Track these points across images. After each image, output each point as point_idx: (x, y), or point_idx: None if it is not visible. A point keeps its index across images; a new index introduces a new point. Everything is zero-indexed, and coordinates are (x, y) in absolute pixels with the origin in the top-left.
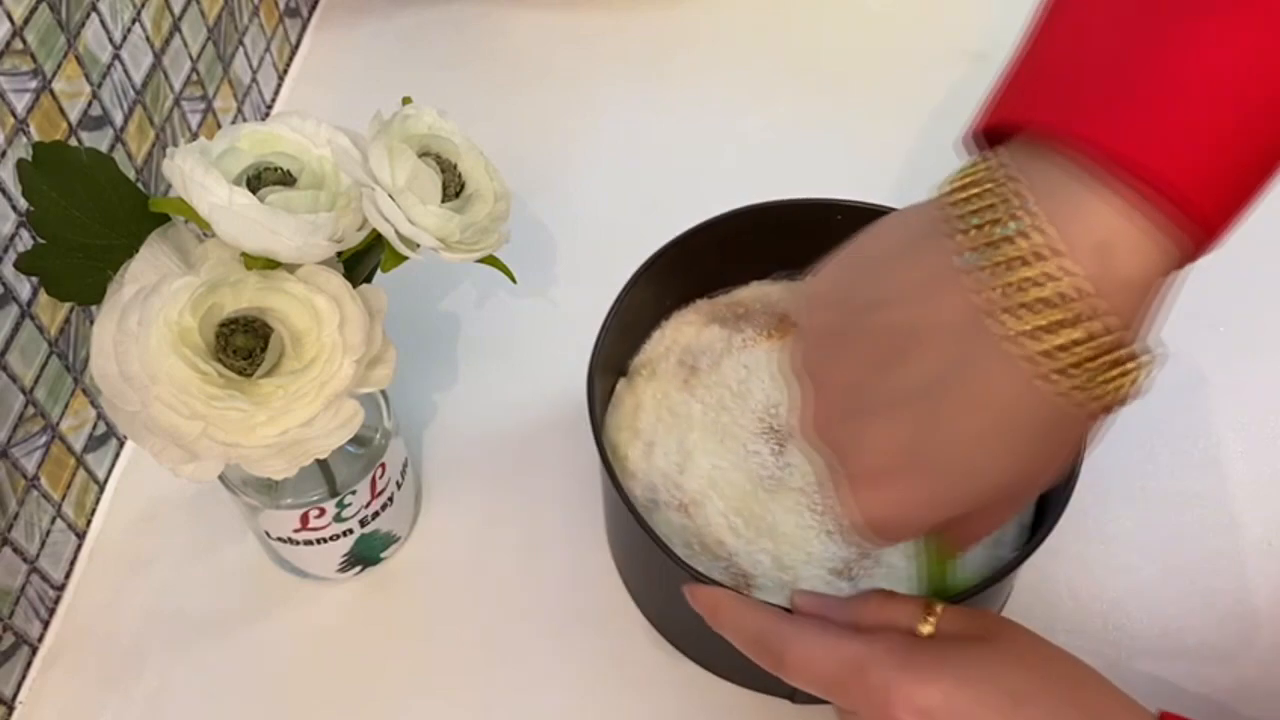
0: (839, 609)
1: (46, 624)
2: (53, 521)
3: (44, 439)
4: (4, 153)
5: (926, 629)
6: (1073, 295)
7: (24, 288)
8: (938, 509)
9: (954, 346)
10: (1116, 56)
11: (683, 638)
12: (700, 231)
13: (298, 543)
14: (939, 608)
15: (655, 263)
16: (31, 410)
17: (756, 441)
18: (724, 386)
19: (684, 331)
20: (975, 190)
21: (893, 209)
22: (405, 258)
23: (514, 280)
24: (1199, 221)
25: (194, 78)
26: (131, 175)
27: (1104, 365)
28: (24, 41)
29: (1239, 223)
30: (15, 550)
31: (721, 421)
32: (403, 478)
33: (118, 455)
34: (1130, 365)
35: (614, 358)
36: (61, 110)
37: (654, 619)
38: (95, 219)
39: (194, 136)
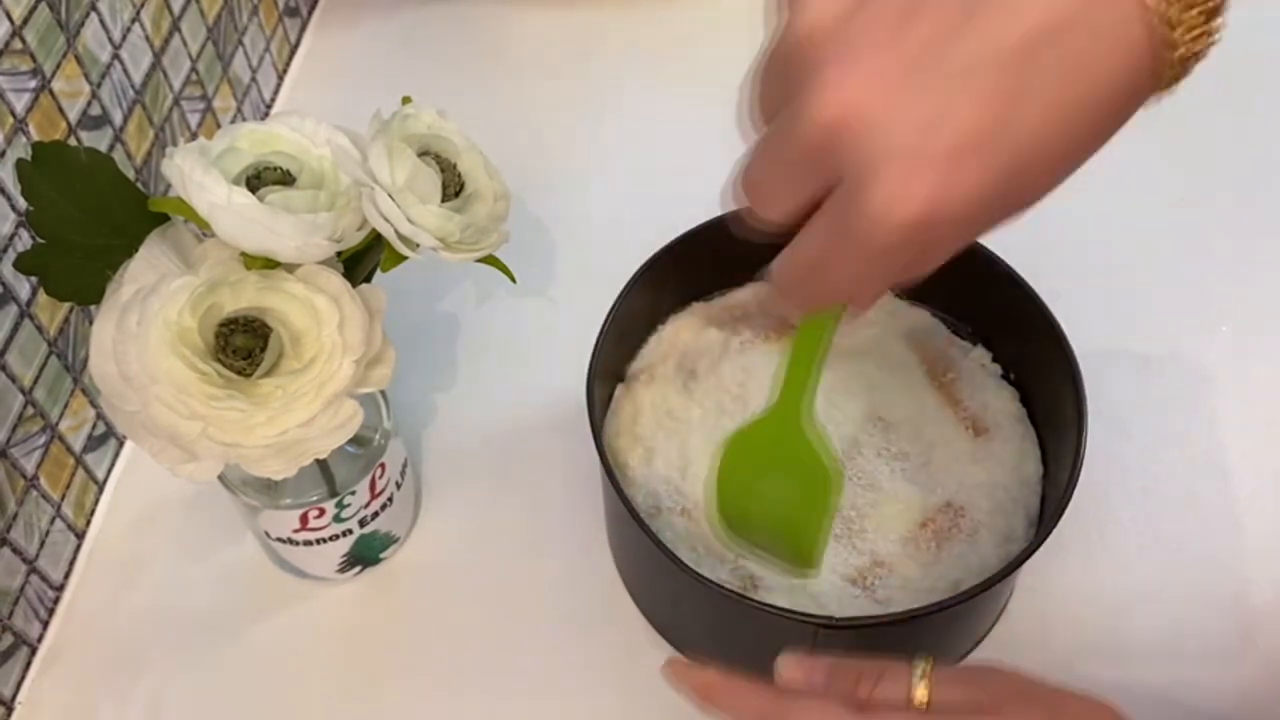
0: (830, 679)
1: (46, 624)
2: (52, 521)
3: (43, 439)
4: (4, 153)
5: (920, 692)
6: None
7: (24, 288)
8: (997, 204)
9: None
10: None
11: (687, 641)
12: (696, 235)
13: (297, 543)
14: (928, 667)
15: (651, 267)
16: (31, 410)
17: None
18: (723, 390)
19: (682, 335)
20: None
21: None
22: (405, 258)
23: (514, 280)
24: None
25: (193, 77)
26: (131, 175)
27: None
28: (23, 41)
29: None
30: (15, 550)
31: (722, 425)
32: (402, 478)
33: (117, 455)
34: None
35: (612, 363)
36: (61, 110)
37: (657, 623)
38: (95, 219)
39: (193, 136)
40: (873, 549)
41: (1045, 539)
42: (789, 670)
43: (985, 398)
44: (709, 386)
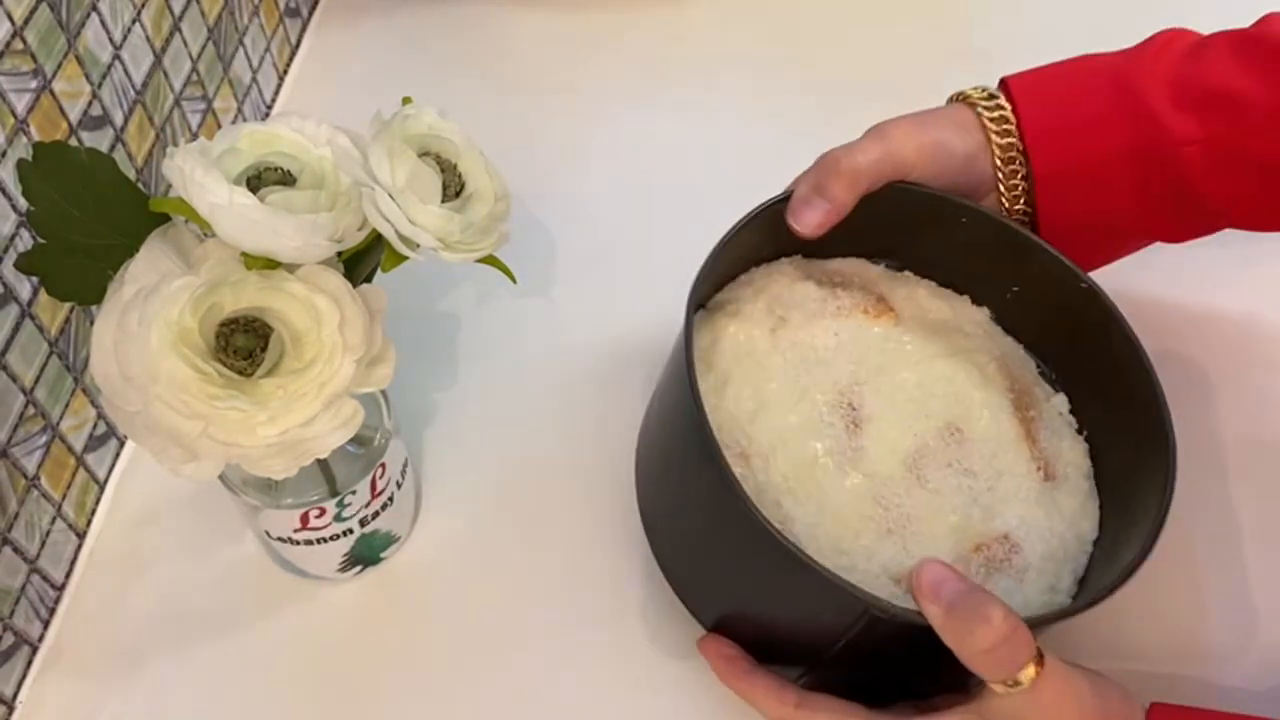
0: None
1: (46, 624)
2: (53, 521)
3: (44, 439)
4: (4, 153)
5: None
6: None
7: (24, 288)
8: None
9: None
10: None
11: (711, 610)
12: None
13: (298, 543)
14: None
15: (764, 211)
16: (31, 410)
17: (832, 414)
18: (811, 347)
19: (774, 280)
20: None
21: (1022, 229)
22: (405, 258)
23: (514, 280)
24: None
25: (194, 78)
26: (131, 175)
27: None
28: (24, 41)
29: None
30: (15, 550)
31: (802, 382)
32: (403, 478)
33: (118, 455)
34: None
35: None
36: (61, 110)
37: (679, 580)
38: (95, 219)
39: (194, 136)
40: (922, 554)
41: (1108, 595)
42: (935, 571)
43: (1060, 445)
44: (798, 340)
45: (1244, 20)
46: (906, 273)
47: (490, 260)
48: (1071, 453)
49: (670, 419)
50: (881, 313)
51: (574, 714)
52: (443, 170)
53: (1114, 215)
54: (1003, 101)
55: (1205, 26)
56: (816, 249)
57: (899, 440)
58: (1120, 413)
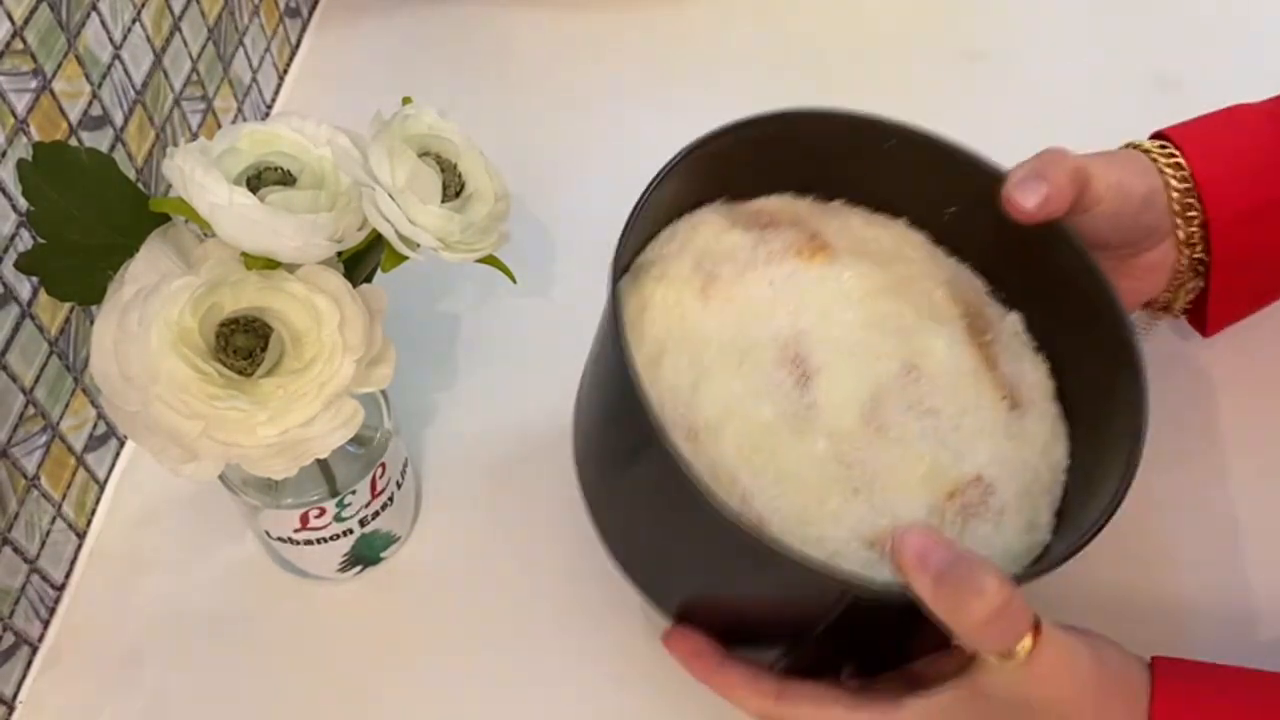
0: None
1: (46, 624)
2: (53, 521)
3: (44, 439)
4: (4, 153)
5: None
6: None
7: (24, 288)
8: None
9: None
10: None
11: (679, 605)
12: (731, 131)
13: (298, 543)
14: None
15: (681, 160)
16: (31, 410)
17: (779, 370)
18: (747, 302)
19: (699, 232)
20: None
21: (956, 144)
22: (405, 258)
23: (514, 280)
24: None
25: (194, 78)
26: (131, 175)
27: None
28: (24, 41)
29: None
30: (15, 550)
31: (741, 342)
32: (403, 478)
33: (118, 455)
34: None
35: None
36: (61, 110)
37: (643, 583)
38: (95, 219)
39: (194, 136)
40: (894, 511)
41: (1097, 533)
42: (919, 539)
43: (1021, 368)
44: (732, 294)
45: (1246, 18)
46: (836, 203)
47: (490, 260)
48: (1034, 374)
49: (605, 402)
50: (816, 251)
51: (576, 712)
52: (443, 170)
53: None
54: (1173, 149)
55: (1204, 23)
56: (740, 190)
57: (854, 388)
58: (1077, 328)
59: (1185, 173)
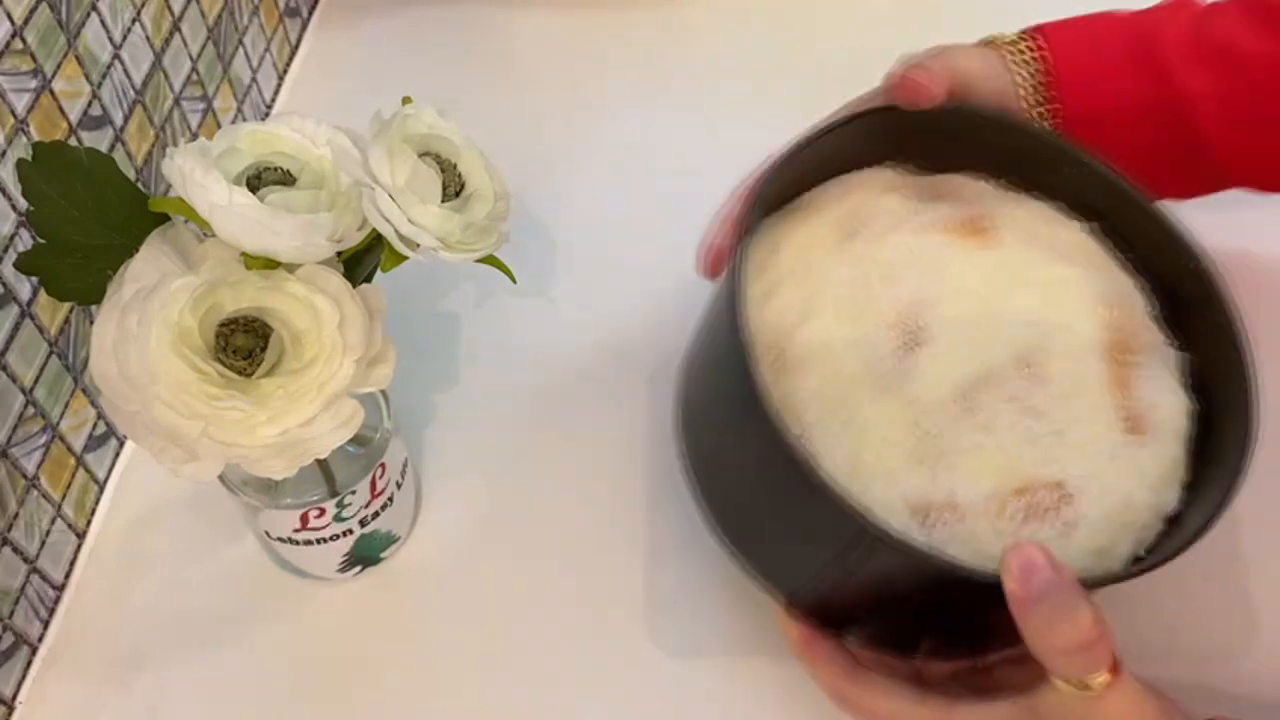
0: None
1: (46, 624)
2: (53, 521)
3: (44, 439)
4: (4, 153)
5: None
6: None
7: (24, 288)
8: None
9: None
10: None
11: (748, 546)
12: (942, 113)
13: (298, 543)
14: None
15: (846, 122)
16: (31, 410)
17: (888, 330)
18: (877, 263)
19: (860, 190)
20: None
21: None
22: (405, 258)
23: (514, 280)
24: None
25: (194, 78)
26: (131, 175)
27: None
28: (24, 41)
29: None
30: (15, 550)
31: (860, 295)
32: (403, 478)
33: (118, 455)
34: None
35: (764, 196)
36: (61, 110)
37: (717, 514)
38: (95, 219)
39: (194, 136)
40: (953, 489)
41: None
42: (1029, 555)
43: (1160, 399)
44: (863, 255)
45: None
46: (1022, 195)
47: (490, 260)
48: (1171, 410)
49: (709, 324)
50: (973, 232)
51: (577, 712)
52: (443, 170)
53: (1126, 165)
54: (1033, 45)
55: None
56: (932, 159)
57: (958, 366)
58: (1218, 385)
59: (1043, 68)
